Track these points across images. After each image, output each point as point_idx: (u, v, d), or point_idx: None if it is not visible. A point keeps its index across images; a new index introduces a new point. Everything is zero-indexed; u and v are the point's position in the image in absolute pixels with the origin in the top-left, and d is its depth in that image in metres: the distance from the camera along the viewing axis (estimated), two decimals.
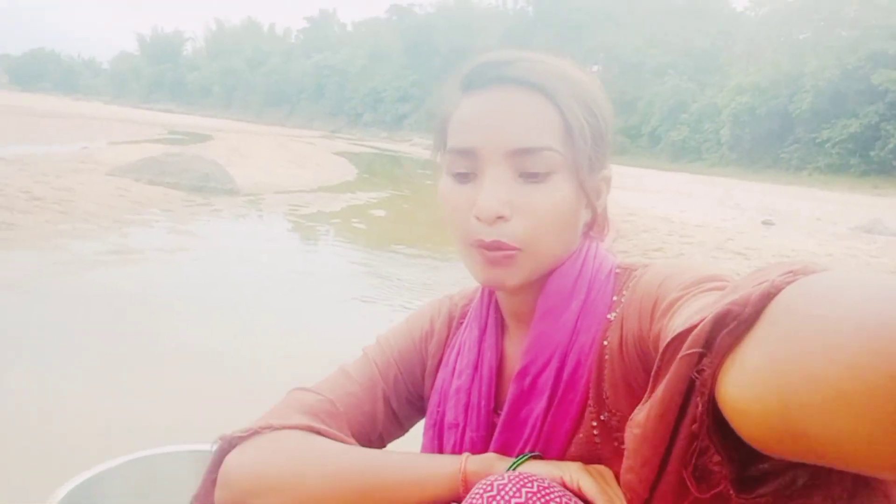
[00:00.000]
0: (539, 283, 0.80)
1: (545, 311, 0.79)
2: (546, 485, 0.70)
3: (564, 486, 0.73)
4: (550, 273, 0.80)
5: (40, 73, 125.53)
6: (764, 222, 11.18)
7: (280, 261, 5.73)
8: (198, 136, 24.63)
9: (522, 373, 0.79)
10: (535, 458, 0.79)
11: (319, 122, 75.19)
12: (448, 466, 0.78)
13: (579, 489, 0.72)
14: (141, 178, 8.81)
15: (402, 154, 31.59)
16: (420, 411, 0.96)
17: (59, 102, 54.15)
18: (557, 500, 0.69)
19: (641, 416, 0.51)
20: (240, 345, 3.39)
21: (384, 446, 0.96)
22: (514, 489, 0.68)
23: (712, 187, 21.97)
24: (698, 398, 0.45)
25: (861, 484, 0.49)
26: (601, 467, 0.77)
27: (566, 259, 0.81)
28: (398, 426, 0.97)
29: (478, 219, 0.74)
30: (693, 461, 0.47)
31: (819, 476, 0.46)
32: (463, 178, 0.77)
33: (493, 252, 0.74)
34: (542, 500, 0.68)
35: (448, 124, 0.80)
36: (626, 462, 0.53)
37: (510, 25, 70.72)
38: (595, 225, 0.85)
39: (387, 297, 4.74)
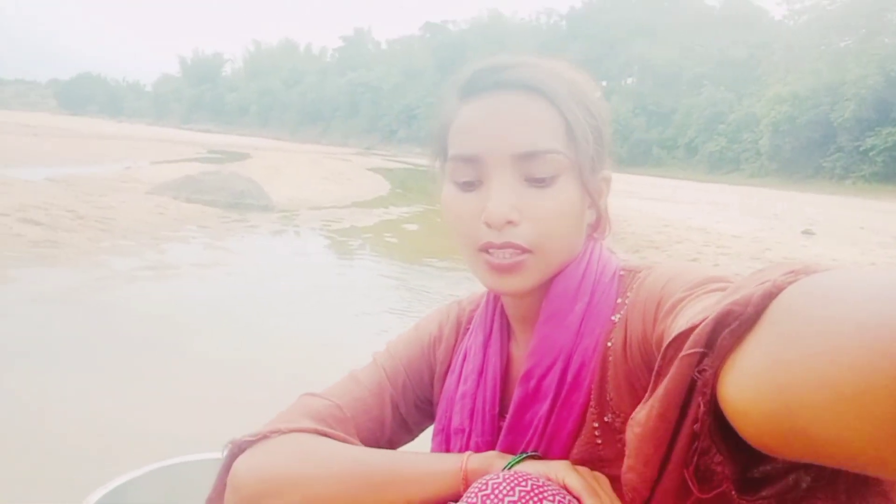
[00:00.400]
0: (544, 287, 0.80)
1: (549, 315, 0.79)
2: (540, 483, 0.71)
3: (551, 482, 0.73)
4: (555, 276, 0.80)
5: (87, 97, 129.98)
6: (804, 232, 10.92)
7: (312, 275, 5.81)
8: (236, 154, 25.18)
9: (527, 376, 0.79)
10: (534, 457, 0.80)
11: (354, 140, 76.15)
12: (450, 465, 0.79)
13: (564, 485, 0.72)
14: (179, 195, 9.03)
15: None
16: (429, 416, 0.97)
17: (105, 125, 55.92)
18: (551, 498, 0.69)
19: (642, 415, 0.51)
20: (268, 356, 3.44)
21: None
22: (509, 488, 0.69)
23: (750, 198, 21.54)
24: (700, 398, 0.45)
25: (864, 484, 0.49)
26: (595, 472, 0.76)
27: (571, 261, 0.81)
28: (407, 431, 0.97)
29: (488, 225, 0.74)
30: (694, 461, 0.47)
31: (822, 477, 0.46)
32: (468, 185, 0.77)
33: (503, 254, 0.75)
34: (536, 498, 0.68)
35: (448, 132, 0.80)
36: (627, 461, 0.53)
37: (544, 40, 70.79)
38: (599, 226, 0.85)
39: (417, 309, 4.76)
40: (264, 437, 0.85)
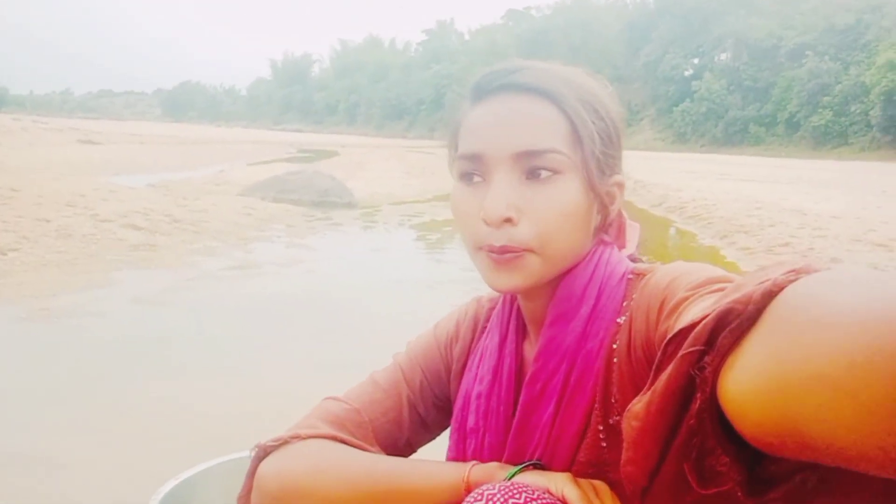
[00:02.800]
0: (552, 288, 0.81)
1: (556, 317, 0.81)
2: (535, 496, 0.72)
3: (551, 495, 0.74)
4: (562, 278, 0.81)
5: (188, 103, 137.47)
6: None
7: (391, 269, 5.94)
8: (324, 152, 25.96)
9: (533, 378, 0.81)
10: (537, 467, 0.81)
11: (439, 133, 76.56)
12: (453, 475, 0.81)
13: (563, 498, 0.73)
14: (266, 196, 9.43)
15: None
16: (449, 415, 0.98)
17: (204, 130, 58.97)
18: None
19: (640, 409, 0.51)
20: (343, 349, 3.56)
21: (412, 452, 0.99)
22: (502, 500, 0.70)
23: (858, 175, 20.10)
24: (699, 395, 0.45)
25: (869, 484, 0.49)
26: (597, 482, 0.77)
27: (578, 264, 0.81)
28: (426, 431, 0.99)
29: (485, 221, 0.75)
30: (693, 456, 0.47)
31: (828, 478, 0.45)
32: (471, 183, 0.79)
33: (502, 255, 0.76)
34: None
35: (458, 133, 0.83)
36: (625, 454, 0.53)
37: (630, 20, 68.55)
38: (608, 229, 0.86)
39: None
40: (286, 442, 0.90)
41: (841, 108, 44.40)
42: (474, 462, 0.83)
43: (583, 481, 0.76)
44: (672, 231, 8.94)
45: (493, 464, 0.83)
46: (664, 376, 0.48)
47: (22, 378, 2.96)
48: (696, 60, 60.25)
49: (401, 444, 0.96)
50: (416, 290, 5.18)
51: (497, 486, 0.73)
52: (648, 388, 0.51)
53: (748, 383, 0.40)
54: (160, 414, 2.64)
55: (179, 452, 2.19)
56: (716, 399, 0.44)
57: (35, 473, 2.15)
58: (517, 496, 0.71)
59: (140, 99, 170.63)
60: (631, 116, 64.08)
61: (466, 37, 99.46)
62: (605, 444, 0.77)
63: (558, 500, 0.73)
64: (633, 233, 0.91)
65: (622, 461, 0.54)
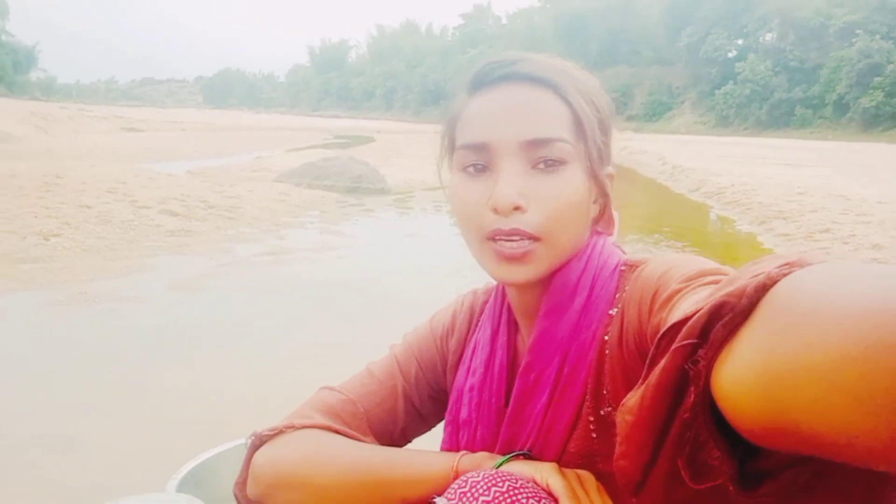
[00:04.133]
0: (546, 281, 0.81)
1: (549, 308, 0.81)
2: (518, 485, 0.72)
3: (537, 484, 0.74)
4: (557, 270, 0.81)
5: (228, 90, 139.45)
6: None
7: (423, 254, 5.95)
8: (361, 138, 26.11)
9: (527, 369, 0.81)
10: (526, 456, 0.81)
11: None
12: (443, 464, 0.82)
13: (548, 487, 0.73)
14: (301, 182, 9.53)
15: None
16: (445, 406, 0.99)
17: (244, 116, 59.81)
18: (524, 500, 0.70)
19: (634, 403, 0.51)
20: (374, 335, 3.58)
21: (407, 442, 1.00)
22: (485, 487, 0.71)
23: None
24: (692, 388, 0.45)
25: (864, 477, 0.49)
26: (582, 472, 0.77)
27: (573, 256, 0.82)
28: (422, 422, 1.00)
29: (495, 210, 0.75)
30: (686, 450, 0.47)
31: (820, 474, 0.45)
32: (476, 173, 0.78)
33: (511, 244, 0.76)
34: (510, 498, 0.70)
35: (456, 125, 0.82)
36: (619, 448, 0.53)
37: (671, 0, 66.98)
38: (602, 219, 0.86)
39: None
40: (281, 431, 0.91)
41: (893, 89, 42.81)
42: (464, 451, 0.84)
43: (568, 471, 0.76)
44: (711, 217, 8.75)
45: (483, 453, 0.83)
46: (657, 370, 0.48)
47: (53, 361, 3.06)
48: (739, 41, 58.63)
49: (395, 434, 0.97)
50: (448, 276, 5.19)
51: (482, 474, 0.73)
52: (642, 383, 0.51)
53: (742, 376, 0.40)
54: (187, 397, 2.70)
55: (202, 435, 2.24)
56: (709, 392, 0.44)
57: (57, 454, 2.22)
58: (500, 484, 0.72)
59: (182, 87, 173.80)
60: (671, 99, 62.80)
61: (504, 20, 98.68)
62: (595, 436, 0.77)
63: (543, 489, 0.74)
64: (614, 220, 0.92)
65: (615, 455, 0.54)
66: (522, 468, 0.76)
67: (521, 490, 0.72)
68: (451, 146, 0.84)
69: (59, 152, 14.05)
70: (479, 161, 0.78)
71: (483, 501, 0.70)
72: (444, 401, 0.98)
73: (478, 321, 0.97)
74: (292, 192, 8.66)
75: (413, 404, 0.98)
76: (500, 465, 0.79)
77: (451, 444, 0.92)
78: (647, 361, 0.51)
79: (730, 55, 57.49)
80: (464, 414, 0.90)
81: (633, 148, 21.56)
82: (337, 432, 0.91)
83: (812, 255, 0.44)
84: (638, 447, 0.50)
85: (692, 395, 0.45)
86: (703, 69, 58.45)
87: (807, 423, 0.35)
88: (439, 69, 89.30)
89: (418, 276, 5.12)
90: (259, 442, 0.93)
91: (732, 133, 48.26)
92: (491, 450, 0.84)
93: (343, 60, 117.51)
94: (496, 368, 0.88)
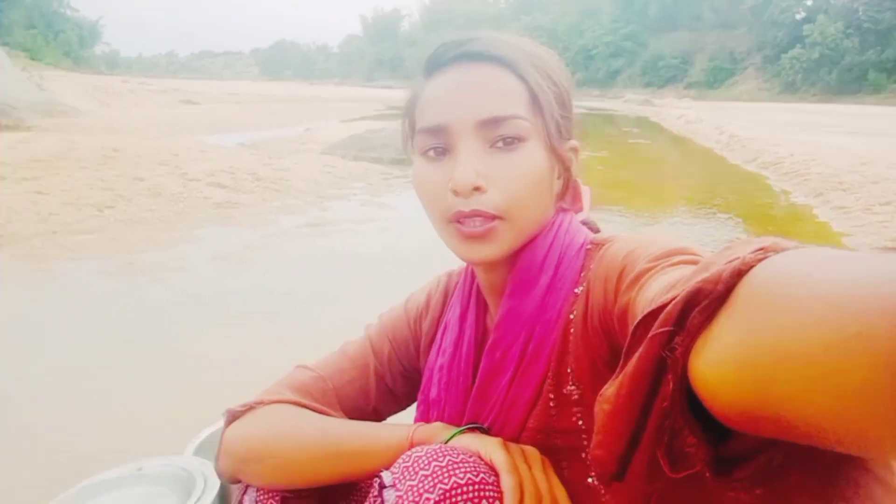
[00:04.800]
0: (512, 259, 0.82)
1: (515, 287, 0.82)
2: (459, 459, 0.74)
3: (480, 459, 0.76)
4: (523, 248, 0.81)
5: (283, 62, 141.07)
6: None
7: None
8: None
9: (492, 347, 0.82)
10: (482, 431, 0.83)
11: None
12: (399, 435, 0.84)
13: (491, 462, 0.75)
14: (347, 154, 9.61)
15: (615, 112, 30.45)
16: (418, 386, 1.00)
17: (298, 88, 60.48)
18: (461, 474, 0.72)
19: (611, 392, 0.51)
20: None
21: (380, 419, 1.02)
22: (426, 462, 0.73)
23: None
24: (670, 376, 0.45)
25: (838, 460, 0.50)
26: (528, 448, 0.78)
27: (539, 233, 0.82)
28: (394, 401, 1.03)
29: (455, 192, 0.76)
30: (665, 440, 0.47)
31: (794, 456, 0.46)
32: (435, 156, 0.79)
33: (473, 223, 0.76)
34: (447, 473, 0.72)
35: (415, 109, 0.83)
36: (596, 437, 0.53)
37: None
38: (566, 195, 0.87)
39: None
40: (251, 408, 0.95)
41: None
42: (420, 423, 0.86)
43: (513, 446, 0.77)
44: (762, 188, 8.44)
45: (437, 424, 0.85)
46: (634, 358, 0.48)
47: (98, 329, 3.20)
48: (808, 2, 55.66)
49: (367, 411, 1.00)
50: None
51: (426, 449, 0.75)
52: (619, 372, 0.50)
53: (719, 363, 0.40)
54: (222, 364, 2.79)
55: (232, 401, 2.32)
56: (686, 380, 0.44)
57: (88, 418, 2.33)
58: (440, 459, 0.73)
59: (238, 59, 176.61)
60: (734, 65, 60.36)
61: None
62: (554, 413, 0.78)
63: (486, 464, 0.75)
64: (585, 196, 0.92)
65: (592, 444, 0.54)
66: (470, 442, 0.78)
67: (461, 464, 0.73)
68: (411, 130, 0.84)
69: (119, 126, 14.52)
70: (439, 144, 0.78)
71: (422, 475, 0.72)
72: (417, 380, 1.00)
73: (451, 301, 0.98)
74: (338, 164, 8.74)
75: (385, 383, 1.00)
76: (451, 438, 0.81)
77: (421, 420, 0.94)
78: (624, 350, 0.51)
79: (797, 17, 54.67)
80: (433, 393, 0.92)
81: (690, 117, 20.88)
82: (305, 407, 0.94)
83: (785, 240, 0.44)
84: (615, 437, 0.50)
85: (670, 384, 0.45)
86: (768, 32, 55.84)
87: (787, 410, 0.35)
88: None
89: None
90: (231, 418, 0.96)
91: (799, 100, 46.13)
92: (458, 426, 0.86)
93: (396, 30, 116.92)
94: (464, 348, 0.89)
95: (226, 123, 16.93)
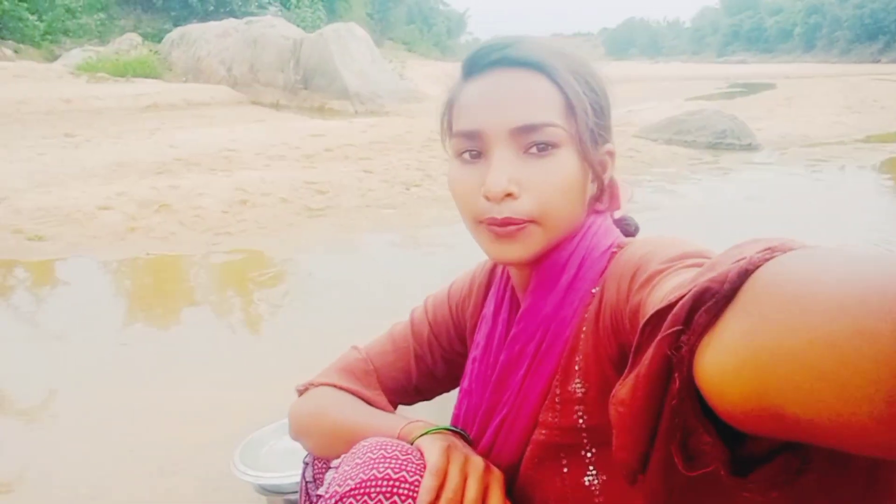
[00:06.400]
0: (540, 259, 0.84)
1: (536, 285, 0.84)
2: (392, 455, 0.80)
3: (422, 458, 0.81)
4: (551, 250, 0.83)
5: (629, 41, 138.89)
6: None
7: (758, 220, 5.31)
8: (756, 86, 23.66)
9: (512, 341, 0.86)
10: (462, 436, 0.88)
11: None
12: (393, 427, 0.91)
13: (426, 463, 0.80)
14: (660, 138, 9.22)
15: None
16: (460, 369, 1.04)
17: (642, 67, 59.09)
18: (383, 468, 0.78)
19: (625, 394, 0.52)
20: None
21: (422, 398, 1.11)
22: (363, 452, 0.81)
23: None
24: (677, 374, 0.46)
25: (856, 466, 0.49)
26: (477, 460, 0.81)
27: (568, 236, 0.83)
28: (435, 382, 1.09)
29: (487, 198, 0.78)
30: (677, 437, 0.47)
31: (812, 459, 0.46)
32: (470, 160, 0.82)
33: (504, 227, 0.80)
34: (372, 466, 0.79)
35: (452, 111, 0.86)
36: (616, 440, 0.54)
37: None
38: (601, 198, 0.87)
39: None
40: (306, 388, 1.10)
41: None
42: (411, 419, 0.92)
43: (459, 454, 0.81)
44: None
45: (421, 422, 0.91)
46: (646, 360, 0.49)
47: (362, 289, 3.70)
48: None
49: (409, 391, 1.08)
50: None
51: (375, 440, 0.83)
52: (629, 372, 0.52)
53: (724, 363, 0.41)
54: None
55: None
56: (693, 378, 0.44)
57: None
58: (375, 451, 0.81)
59: (586, 40, 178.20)
60: None
61: None
62: (558, 409, 0.79)
63: (421, 465, 0.80)
64: (624, 193, 0.90)
65: (614, 447, 0.54)
66: (424, 442, 0.83)
67: (391, 460, 0.79)
68: (449, 130, 0.87)
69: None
70: (474, 148, 0.81)
71: (355, 463, 0.79)
72: (459, 364, 1.04)
73: (490, 294, 1.00)
74: (643, 148, 8.45)
75: (426, 364, 1.07)
76: (420, 436, 0.86)
77: (457, 409, 1.00)
78: (633, 350, 0.52)
79: None
80: (465, 384, 0.96)
81: None
82: (344, 390, 1.04)
83: (793, 240, 0.43)
84: (635, 437, 0.51)
85: (677, 382, 0.45)
86: None
87: (789, 408, 0.36)
88: None
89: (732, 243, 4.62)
90: (298, 395, 1.11)
91: None
92: (475, 416, 0.91)
93: None
94: (495, 342, 0.92)
95: None
